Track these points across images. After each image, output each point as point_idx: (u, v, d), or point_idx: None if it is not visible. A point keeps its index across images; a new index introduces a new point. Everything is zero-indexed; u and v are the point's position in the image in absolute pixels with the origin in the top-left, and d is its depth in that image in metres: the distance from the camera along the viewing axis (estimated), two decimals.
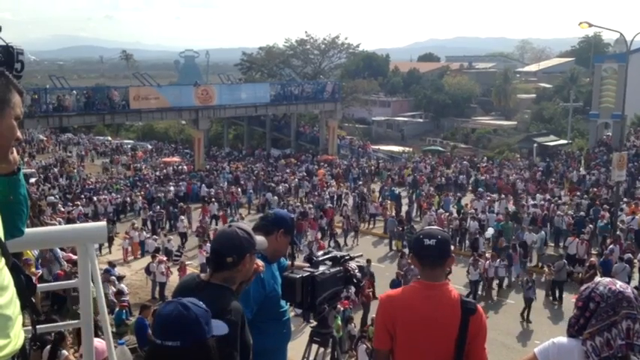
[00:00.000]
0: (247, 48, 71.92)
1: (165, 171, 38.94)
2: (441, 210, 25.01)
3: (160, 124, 56.54)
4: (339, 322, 13.21)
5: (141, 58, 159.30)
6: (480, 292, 18.07)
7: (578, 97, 53.49)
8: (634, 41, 25.25)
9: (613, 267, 16.86)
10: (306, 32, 61.30)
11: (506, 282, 18.72)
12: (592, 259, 18.28)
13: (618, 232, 20.08)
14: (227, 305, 2.39)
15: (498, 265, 18.10)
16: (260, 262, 2.78)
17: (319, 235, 23.04)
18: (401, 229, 23.02)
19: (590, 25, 21.40)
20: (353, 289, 3.61)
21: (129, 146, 53.53)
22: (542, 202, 24.95)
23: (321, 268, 3.27)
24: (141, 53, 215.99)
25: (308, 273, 3.17)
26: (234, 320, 2.39)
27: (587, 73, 58.68)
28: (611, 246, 18.40)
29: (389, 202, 27.76)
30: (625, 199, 24.12)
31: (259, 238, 2.76)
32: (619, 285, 2.21)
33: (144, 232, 24.05)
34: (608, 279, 2.28)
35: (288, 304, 3.31)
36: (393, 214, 25.58)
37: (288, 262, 3.45)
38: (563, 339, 2.33)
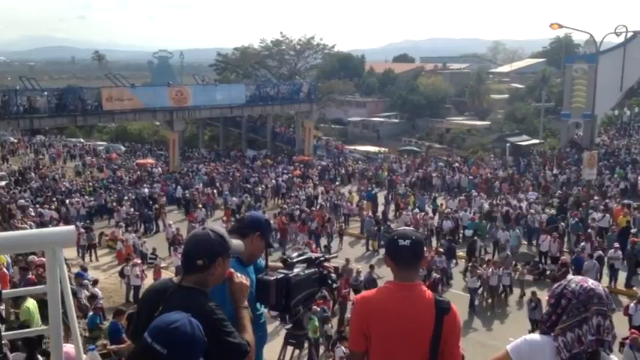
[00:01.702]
0: (222, 48, 71.59)
1: (139, 173, 38.46)
2: (416, 210, 25.17)
3: (133, 125, 55.84)
4: (316, 324, 13.20)
5: (114, 59, 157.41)
6: (480, 301, 17.33)
7: (549, 98, 54.42)
8: (603, 42, 25.85)
9: (584, 264, 17.18)
10: (281, 33, 61.30)
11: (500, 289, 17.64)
12: (564, 257, 18.60)
13: (589, 230, 20.43)
14: (200, 306, 2.37)
15: (502, 274, 17.30)
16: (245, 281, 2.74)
17: (305, 239, 22.51)
18: (377, 229, 23.12)
19: (561, 27, 21.81)
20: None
21: (101, 148, 52.74)
22: (516, 202, 25.28)
23: (296, 270, 3.25)
24: (114, 54, 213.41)
25: (282, 275, 3.16)
26: (213, 319, 2.38)
27: (558, 73, 59.71)
28: (582, 243, 18.73)
29: (365, 202, 27.87)
30: (596, 198, 24.58)
31: (235, 242, 2.74)
32: (590, 282, 2.24)
33: (133, 235, 23.63)
34: (579, 277, 2.31)
35: (263, 306, 3.29)
36: (370, 214, 25.68)
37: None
38: (536, 336, 2.35)
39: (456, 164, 36.97)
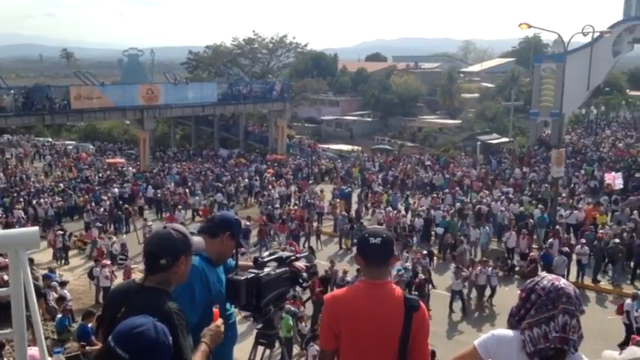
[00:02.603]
0: (194, 47, 70.94)
1: (108, 172, 37.85)
2: (389, 208, 25.31)
3: (103, 124, 54.96)
4: (290, 322, 13.19)
5: (83, 57, 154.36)
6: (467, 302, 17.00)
7: (519, 97, 55.33)
8: (571, 42, 26.34)
9: (554, 260, 17.51)
10: (253, 31, 61.00)
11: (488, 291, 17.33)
12: (533, 253, 18.92)
13: (557, 227, 20.83)
14: (162, 307, 2.34)
15: (491, 274, 16.97)
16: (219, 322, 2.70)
17: (284, 239, 22.40)
18: (350, 227, 23.20)
19: (530, 27, 22.12)
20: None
21: (71, 147, 51.73)
22: (486, 199, 25.63)
23: (267, 269, 3.24)
24: (83, 52, 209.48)
25: (253, 274, 3.14)
26: (175, 322, 2.34)
27: (527, 73, 60.69)
28: (550, 240, 19.08)
29: (338, 200, 27.93)
30: (564, 195, 25.07)
31: (196, 239, 2.72)
32: (562, 282, 2.28)
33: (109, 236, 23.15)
34: (552, 275, 2.35)
35: (234, 306, 3.27)
36: (343, 212, 25.74)
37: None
38: (503, 330, 2.37)
39: (428, 162, 37.32)
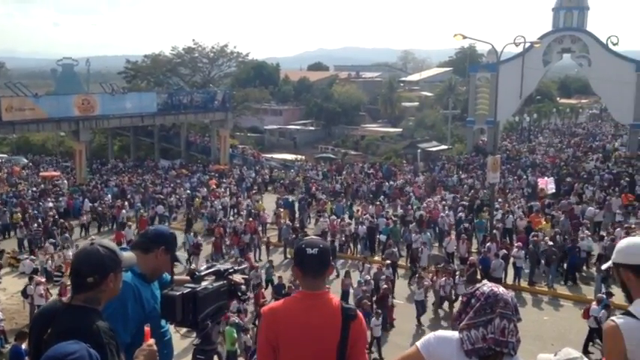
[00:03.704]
0: (132, 56, 69.25)
1: (42, 186, 36.36)
2: (333, 216, 25.44)
3: (36, 136, 52.84)
4: (234, 335, 13.02)
5: (15, 67, 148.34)
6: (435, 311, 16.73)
7: (456, 105, 57.08)
8: (504, 52, 27.37)
9: (492, 263, 18.05)
10: (193, 40, 60.10)
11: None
12: (472, 257, 19.45)
13: (494, 231, 21.50)
14: (90, 326, 2.25)
15: (458, 282, 16.78)
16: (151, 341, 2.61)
17: (237, 252, 22.09)
18: (294, 236, 23.15)
19: (464, 37, 22.79)
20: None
21: (2, 161, 49.41)
22: (426, 205, 26.19)
23: (204, 283, 3.18)
24: (15, 62, 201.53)
25: (189, 289, 3.07)
26: (103, 342, 2.25)
27: (463, 82, 62.64)
28: (488, 244, 19.67)
29: (282, 210, 27.87)
30: (499, 200, 25.91)
31: (127, 255, 2.64)
32: (500, 289, 2.37)
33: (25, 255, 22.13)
34: (492, 283, 2.44)
35: (169, 322, 3.19)
36: (287, 222, 25.68)
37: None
38: (445, 331, 2.44)
39: (371, 170, 37.80)
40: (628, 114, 38.76)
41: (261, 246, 23.52)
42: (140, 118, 41.21)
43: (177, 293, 3.01)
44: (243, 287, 3.38)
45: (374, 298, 16.32)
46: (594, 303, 14.39)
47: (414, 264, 19.96)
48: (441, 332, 2.44)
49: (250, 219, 25.77)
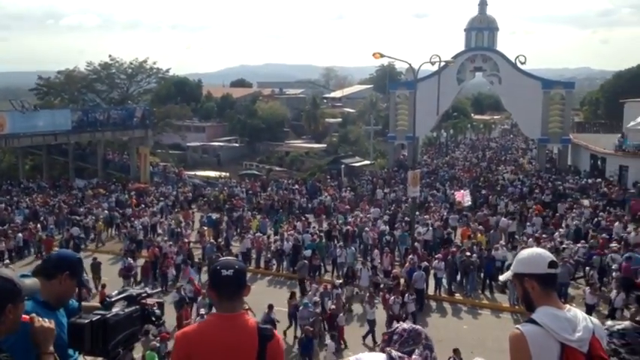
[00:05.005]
0: (44, 71, 66.18)
1: None
2: (258, 233, 25.24)
3: None
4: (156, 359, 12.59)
5: None
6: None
7: (377, 121, 58.56)
8: (421, 70, 28.41)
9: (414, 275, 18.49)
10: (110, 56, 58.13)
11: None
12: (395, 270, 19.84)
13: (416, 244, 22.07)
14: None
15: (408, 301, 16.47)
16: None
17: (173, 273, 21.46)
18: (218, 255, 22.71)
19: (382, 56, 23.48)
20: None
21: None
22: (351, 219, 26.53)
23: (115, 309, 3.06)
24: None
25: (98, 316, 2.94)
26: None
27: (384, 98, 64.43)
28: (410, 256, 20.15)
29: (206, 228, 27.35)
30: (417, 213, 26.64)
31: (28, 282, 2.50)
32: (418, 327, 2.50)
33: None
34: (409, 323, 2.59)
35: (78, 352, 3.03)
36: (212, 240, 25.21)
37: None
38: (370, 354, 2.49)
39: (296, 186, 37.89)
40: (536, 129, 41.19)
41: (193, 266, 22.60)
42: (53, 136, 39.56)
43: (86, 321, 2.88)
44: (157, 312, 3.28)
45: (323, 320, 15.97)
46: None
47: (350, 283, 19.27)
48: (366, 355, 2.49)
49: (153, 237, 25.24)
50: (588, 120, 62.16)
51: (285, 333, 16.12)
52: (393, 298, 16.42)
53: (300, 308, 15.84)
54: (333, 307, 15.95)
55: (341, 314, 15.84)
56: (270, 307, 15.41)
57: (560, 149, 42.74)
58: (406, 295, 16.59)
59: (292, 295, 17.15)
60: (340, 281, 18.46)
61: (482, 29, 42.62)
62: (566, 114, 41.54)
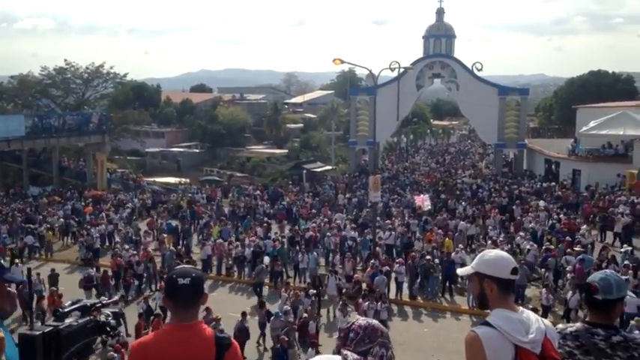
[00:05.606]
0: None
1: None
2: (220, 240, 24.94)
3: None
4: None
5: None
6: None
7: (339, 126, 58.86)
8: (380, 76, 28.72)
9: (375, 279, 18.61)
10: (65, 60, 56.55)
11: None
12: (357, 275, 19.92)
13: (377, 248, 22.21)
14: None
15: (380, 309, 16.42)
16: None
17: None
18: (179, 262, 22.36)
19: (343, 62, 23.58)
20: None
21: None
22: (314, 225, 26.51)
23: (68, 321, 3.00)
24: None
25: (51, 328, 2.87)
26: None
27: (345, 104, 64.84)
28: (372, 261, 20.27)
29: (165, 235, 26.91)
30: (378, 218, 26.83)
31: None
32: (374, 322, 2.48)
33: None
34: (365, 317, 2.55)
35: None
36: (171, 247, 24.82)
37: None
38: (329, 355, 2.46)
39: (257, 192, 37.66)
40: (493, 135, 42.14)
41: (157, 275, 22.09)
42: (6, 142, 38.38)
43: (37, 333, 2.81)
44: (112, 322, 3.22)
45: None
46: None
47: (317, 290, 18.79)
48: (326, 356, 2.47)
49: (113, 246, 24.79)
50: (543, 125, 64.01)
51: (258, 342, 16.14)
52: (367, 304, 16.34)
53: (272, 318, 15.62)
54: (306, 315, 15.76)
55: (311, 322, 15.66)
56: (244, 314, 15.38)
57: (516, 154, 43.81)
58: (379, 303, 16.52)
59: (261, 304, 16.93)
60: (313, 291, 18.12)
61: (440, 36, 43.40)
62: (522, 120, 42.63)
